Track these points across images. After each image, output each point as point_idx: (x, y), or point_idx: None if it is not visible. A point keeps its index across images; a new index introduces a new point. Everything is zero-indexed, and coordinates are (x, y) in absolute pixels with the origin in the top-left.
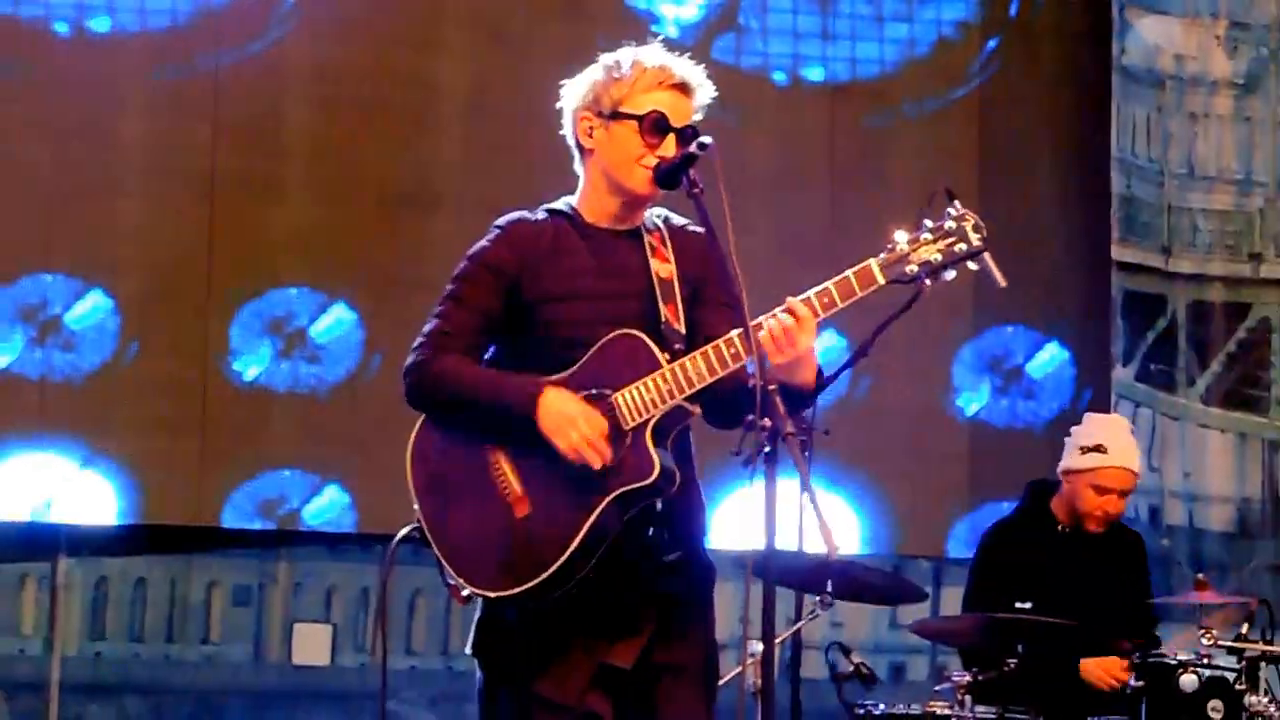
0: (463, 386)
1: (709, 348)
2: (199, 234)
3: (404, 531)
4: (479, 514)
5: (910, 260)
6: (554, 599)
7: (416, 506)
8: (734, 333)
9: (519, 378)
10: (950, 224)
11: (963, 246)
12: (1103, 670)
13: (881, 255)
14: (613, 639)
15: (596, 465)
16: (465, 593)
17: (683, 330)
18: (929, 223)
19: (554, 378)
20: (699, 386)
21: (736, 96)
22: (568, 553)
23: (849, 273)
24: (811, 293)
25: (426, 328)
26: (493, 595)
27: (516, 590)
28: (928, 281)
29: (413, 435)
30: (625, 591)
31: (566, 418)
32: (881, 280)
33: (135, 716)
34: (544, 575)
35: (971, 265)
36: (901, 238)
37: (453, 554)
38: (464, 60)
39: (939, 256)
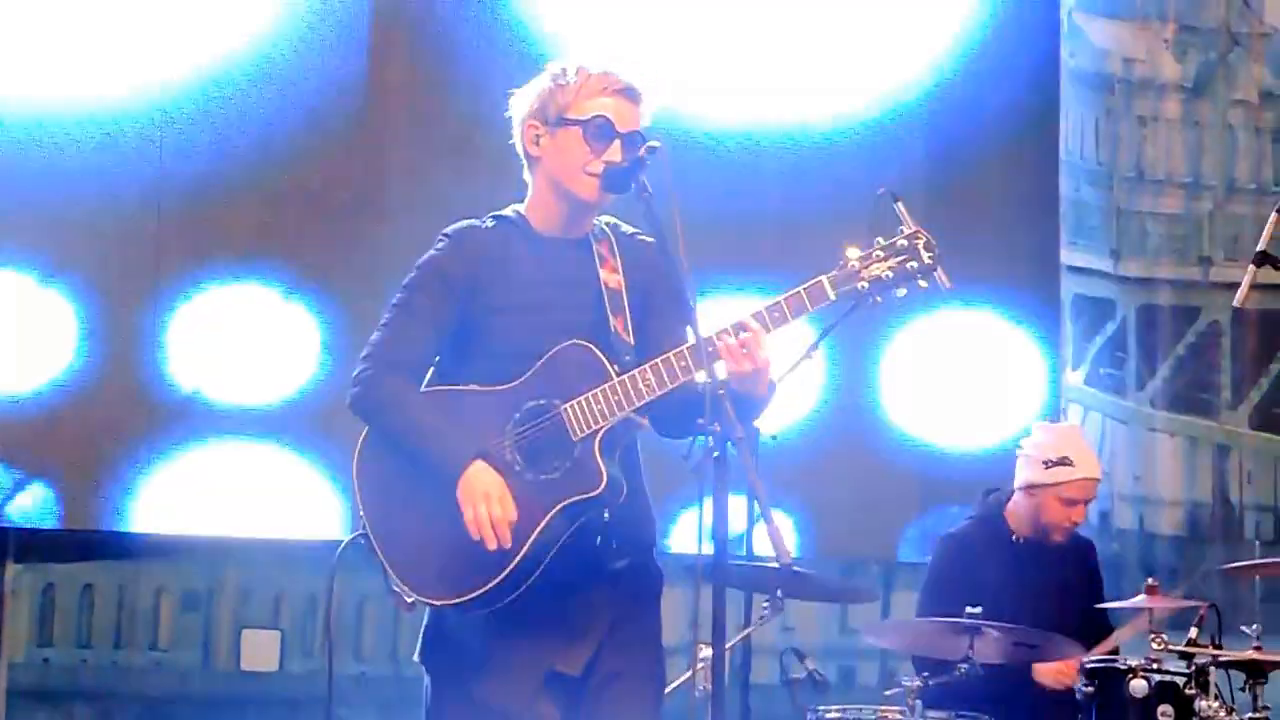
0: (401, 423)
1: (659, 360)
2: (147, 238)
3: (349, 538)
4: (425, 522)
5: (862, 277)
6: (499, 606)
7: (362, 513)
8: (684, 345)
9: (455, 437)
10: (902, 241)
11: (914, 264)
12: (1056, 671)
13: (833, 271)
14: (562, 646)
15: (491, 547)
16: (410, 600)
17: (631, 341)
18: (881, 240)
19: (501, 387)
20: (649, 399)
21: (685, 101)
22: (514, 563)
23: (800, 288)
24: (763, 308)
25: (375, 337)
26: (438, 603)
27: (461, 599)
28: (879, 298)
29: (359, 442)
30: (573, 599)
31: (482, 494)
32: (833, 296)
33: None
34: (490, 585)
35: (922, 283)
36: (853, 254)
37: (398, 561)
38: (416, 67)
39: (890, 274)
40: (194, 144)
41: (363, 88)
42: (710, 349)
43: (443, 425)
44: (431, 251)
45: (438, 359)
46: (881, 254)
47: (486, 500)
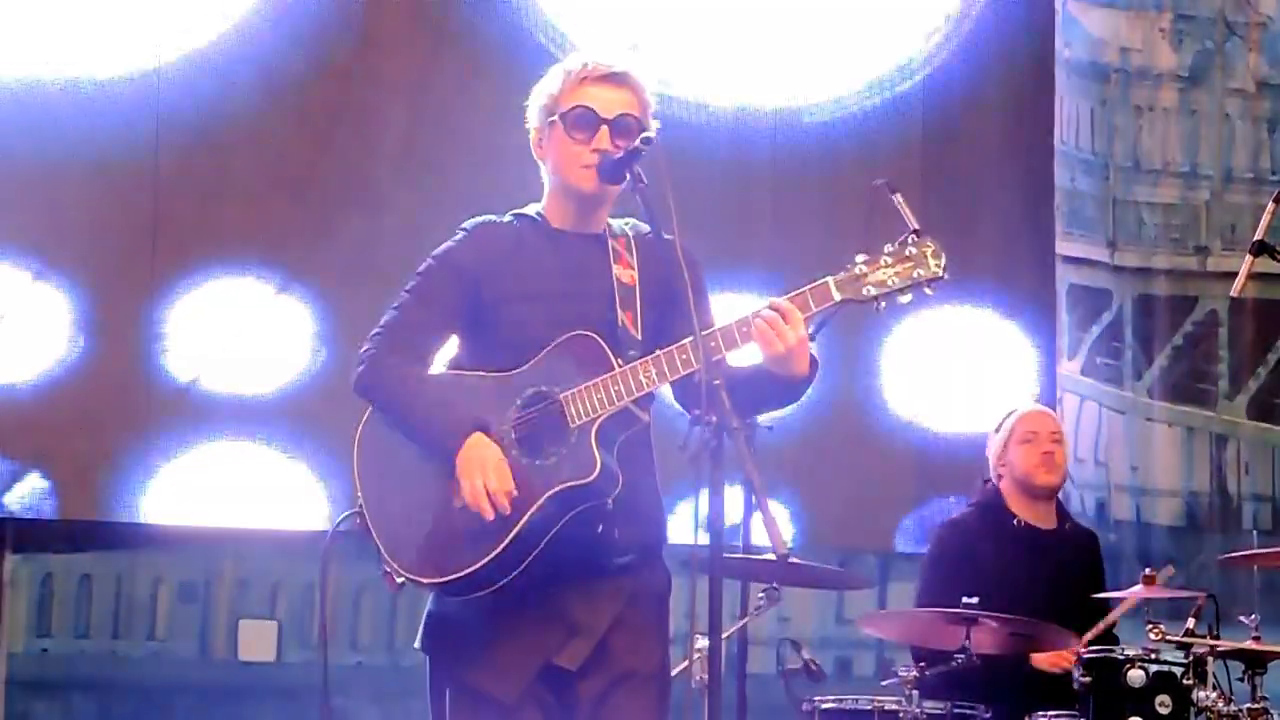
0: (402, 398)
1: (661, 354)
2: (143, 229)
3: (343, 517)
4: (418, 501)
5: (868, 281)
6: (489, 591)
7: (359, 493)
8: (685, 340)
9: (456, 409)
10: (911, 249)
11: (920, 272)
12: (1052, 657)
13: (840, 274)
14: (561, 639)
15: (489, 516)
16: (400, 580)
17: (639, 336)
18: (889, 246)
19: (505, 374)
20: (648, 390)
21: (678, 88)
22: (500, 546)
23: (805, 289)
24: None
25: (383, 320)
26: (426, 582)
27: (448, 579)
28: (883, 304)
29: (361, 423)
30: (574, 591)
31: (479, 464)
32: (837, 298)
33: (82, 713)
34: (474, 566)
35: (928, 290)
36: (860, 259)
37: (389, 539)
38: (407, 55)
39: (896, 280)
40: (188, 133)
41: (355, 76)
42: (744, 329)
43: (443, 400)
44: (447, 243)
45: (453, 351)
46: (889, 260)
47: (483, 471)
